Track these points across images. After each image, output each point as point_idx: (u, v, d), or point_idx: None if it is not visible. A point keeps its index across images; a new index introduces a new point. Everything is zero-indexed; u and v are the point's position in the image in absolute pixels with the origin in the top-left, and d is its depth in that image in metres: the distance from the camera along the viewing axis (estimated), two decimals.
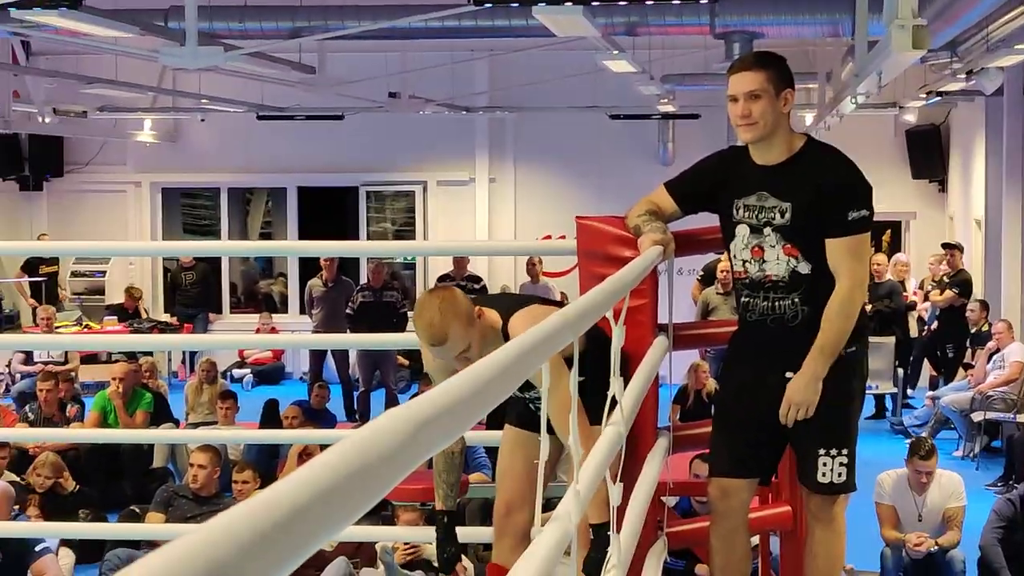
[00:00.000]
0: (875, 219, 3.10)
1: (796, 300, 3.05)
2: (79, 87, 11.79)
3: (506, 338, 3.05)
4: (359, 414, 11.04)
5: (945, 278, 11.51)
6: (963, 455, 9.76)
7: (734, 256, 3.17)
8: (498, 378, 1.22)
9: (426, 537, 4.70)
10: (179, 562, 0.50)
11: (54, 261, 13.68)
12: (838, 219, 3.00)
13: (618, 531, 2.31)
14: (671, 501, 3.97)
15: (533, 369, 1.55)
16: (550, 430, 2.62)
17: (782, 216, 3.04)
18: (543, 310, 3.07)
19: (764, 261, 3.07)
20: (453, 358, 3.10)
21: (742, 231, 3.10)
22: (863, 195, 3.05)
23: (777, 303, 3.08)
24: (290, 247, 11.99)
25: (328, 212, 15.37)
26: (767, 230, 3.06)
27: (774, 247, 3.05)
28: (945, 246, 11.94)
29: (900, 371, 10.85)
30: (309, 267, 12.93)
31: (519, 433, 3.33)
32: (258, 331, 13.16)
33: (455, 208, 14.44)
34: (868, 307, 3.24)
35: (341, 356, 11.28)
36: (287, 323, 14.11)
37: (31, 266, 13.57)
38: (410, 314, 8.29)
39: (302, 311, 13.20)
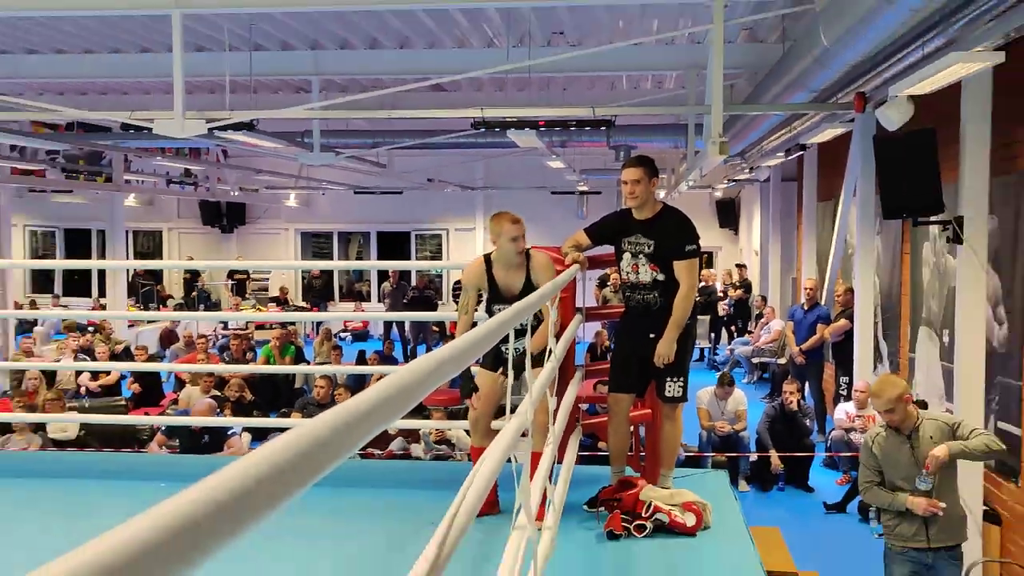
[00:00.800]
0: (701, 249, 4.51)
1: (656, 295, 4.41)
2: (254, 175, 19.36)
3: (528, 257, 4.25)
4: (410, 359, 15.46)
5: (737, 283, 17.82)
6: (747, 381, 14.47)
7: (621, 270, 4.50)
8: (489, 335, 2.09)
9: (447, 426, 6.29)
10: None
11: (243, 272, 22.12)
12: (680, 250, 4.38)
13: (554, 423, 3.45)
14: (584, 407, 5.21)
15: (512, 326, 2.36)
16: (500, 366, 4.05)
17: (649, 248, 4.40)
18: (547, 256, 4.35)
19: (639, 273, 4.43)
20: (512, 240, 4.17)
21: (627, 256, 4.46)
22: (694, 236, 4.44)
23: (645, 297, 4.44)
24: (369, 265, 24.55)
25: (393, 246, 23.04)
26: (640, 256, 4.42)
27: (644, 265, 4.41)
28: (737, 265, 18.74)
29: (712, 335, 17.01)
30: (383, 276, 21.08)
31: (487, 373, 4.28)
32: (354, 310, 20.78)
33: (463, 244, 22.19)
34: (697, 299, 4.66)
35: (400, 326, 17.61)
36: (370, 307, 22.03)
37: (231, 275, 21.99)
38: (440, 303, 19.84)
39: (379, 300, 21.72)
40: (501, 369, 4.18)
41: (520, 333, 4.08)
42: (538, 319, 4.05)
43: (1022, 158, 6.84)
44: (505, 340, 4.12)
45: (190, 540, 0.56)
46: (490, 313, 4.26)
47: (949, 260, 8.14)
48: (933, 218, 7.13)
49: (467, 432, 8.14)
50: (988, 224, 7.01)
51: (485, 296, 4.31)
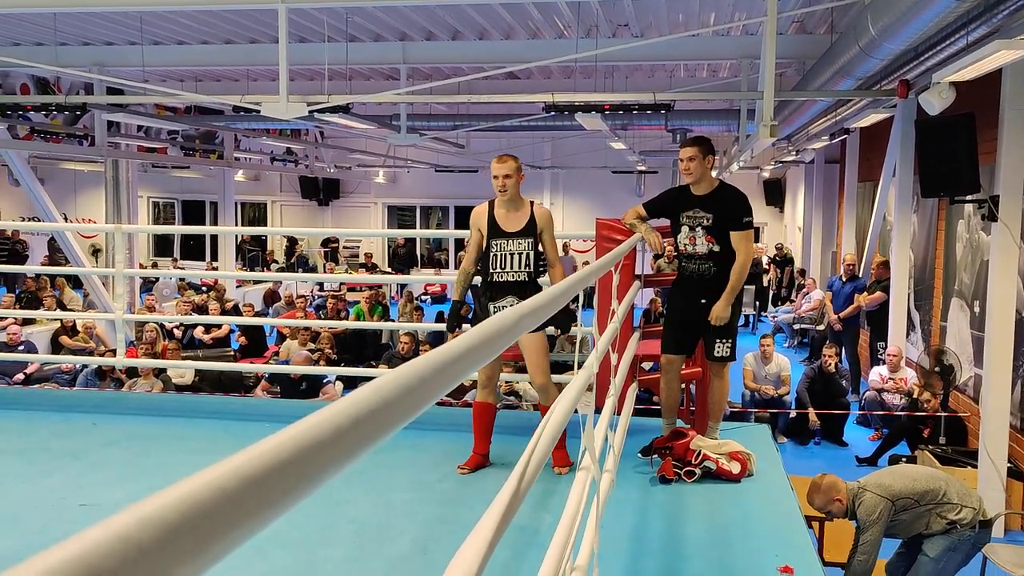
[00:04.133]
0: (754, 223, 4.37)
1: (710, 265, 4.30)
2: (348, 154, 19.54)
3: (532, 212, 4.19)
4: None
5: (778, 258, 17.73)
6: (788, 346, 14.21)
7: (679, 241, 4.39)
8: (562, 295, 2.04)
9: (515, 379, 6.93)
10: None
11: (336, 240, 22.61)
12: (737, 222, 4.26)
13: (615, 376, 3.48)
14: (647, 365, 5.11)
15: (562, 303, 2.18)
16: None
17: (707, 221, 4.28)
18: (549, 211, 4.29)
19: (695, 245, 4.32)
20: (502, 184, 4.13)
21: (685, 229, 4.34)
22: (749, 210, 4.31)
23: (700, 266, 4.34)
24: (446, 234, 24.36)
25: (469, 219, 21.10)
26: (698, 228, 4.31)
27: (701, 237, 4.30)
28: (777, 246, 18.39)
29: (757, 303, 16.29)
30: (459, 245, 21.01)
31: None
32: (434, 274, 21.57)
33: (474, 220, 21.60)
34: None
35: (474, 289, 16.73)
36: (448, 273, 20.97)
37: (325, 243, 22.53)
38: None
39: (455, 267, 19.61)
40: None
41: (505, 294, 4.19)
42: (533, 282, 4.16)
43: None
44: (493, 299, 4.23)
45: (300, 470, 0.55)
46: (488, 247, 4.24)
47: (982, 236, 7.84)
48: (970, 197, 6.86)
49: (529, 384, 8.20)
50: (1023, 203, 6.72)
51: (484, 234, 4.28)
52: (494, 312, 4.09)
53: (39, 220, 13.11)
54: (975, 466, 6.92)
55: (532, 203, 4.31)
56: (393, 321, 13.78)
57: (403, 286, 16.83)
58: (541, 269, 4.32)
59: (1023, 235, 6.80)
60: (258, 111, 7.50)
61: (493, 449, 4.30)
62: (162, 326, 11.06)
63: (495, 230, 4.23)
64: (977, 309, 8.04)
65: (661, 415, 4.63)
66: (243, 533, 0.45)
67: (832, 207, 16.18)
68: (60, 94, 11.76)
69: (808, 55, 8.99)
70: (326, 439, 0.58)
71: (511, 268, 4.21)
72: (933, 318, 9.62)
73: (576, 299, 4.15)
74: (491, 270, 4.23)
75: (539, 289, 4.08)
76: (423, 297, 19.45)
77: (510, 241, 4.20)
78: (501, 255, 4.21)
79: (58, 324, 11.65)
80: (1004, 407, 6.75)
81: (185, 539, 0.39)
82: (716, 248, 4.31)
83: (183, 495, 0.42)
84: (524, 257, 4.19)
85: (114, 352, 7.52)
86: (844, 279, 11.46)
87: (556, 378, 6.38)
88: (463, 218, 22.85)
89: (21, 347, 10.22)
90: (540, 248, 4.24)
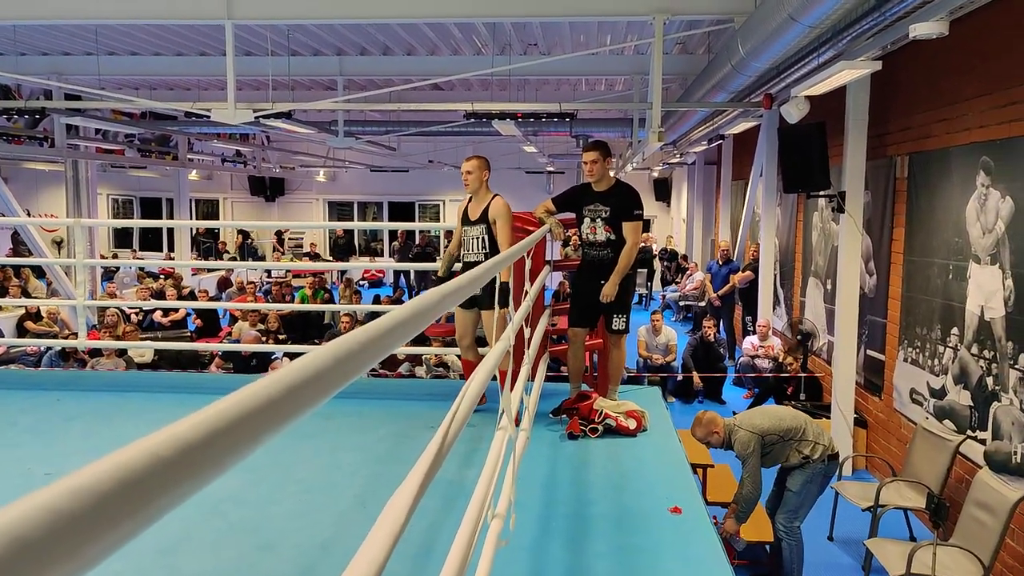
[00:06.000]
0: (644, 216, 4.42)
1: (608, 251, 4.34)
2: (292, 155, 19.08)
3: (489, 203, 4.20)
4: None
5: (666, 248, 18.05)
6: (675, 319, 14.41)
7: (581, 231, 4.42)
8: (477, 279, 2.16)
9: (444, 352, 6.26)
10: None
11: (281, 232, 21.43)
12: (629, 214, 4.31)
13: (528, 348, 3.54)
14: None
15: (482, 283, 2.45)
16: (472, 305, 4.12)
17: (605, 213, 4.32)
18: (505, 203, 4.24)
19: (595, 234, 4.36)
20: (464, 179, 4.20)
21: (586, 220, 4.38)
22: (640, 204, 4.36)
23: (600, 252, 4.38)
24: (380, 226, 23.38)
25: (401, 213, 22.25)
26: (598, 220, 4.35)
27: (600, 227, 4.35)
28: (668, 236, 19.04)
29: (648, 284, 17.11)
30: (393, 236, 20.84)
31: (459, 310, 4.33)
32: (370, 262, 20.23)
33: (455, 212, 20.37)
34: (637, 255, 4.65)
35: (406, 275, 17.10)
36: (383, 261, 21.05)
37: (278, 234, 21.61)
38: (438, 258, 15.34)
39: (389, 255, 20.80)
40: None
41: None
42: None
43: (891, 146, 6.81)
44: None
45: (244, 431, 0.52)
46: (463, 231, 4.38)
47: (832, 226, 8.15)
48: (822, 193, 7.12)
49: (458, 356, 8.20)
50: (864, 198, 7.01)
51: (459, 222, 4.43)
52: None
53: (2, 216, 12.35)
54: (829, 417, 7.23)
55: (494, 196, 4.32)
56: (334, 304, 13.52)
57: (343, 272, 16.53)
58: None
59: (864, 225, 7.11)
60: (208, 116, 7.21)
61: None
62: (122, 311, 10.58)
63: (464, 218, 4.35)
64: (829, 286, 8.36)
65: (568, 380, 4.68)
66: (175, 498, 0.42)
67: (711, 202, 16.60)
68: (20, 99, 11.06)
69: (689, 72, 9.17)
70: (259, 407, 0.55)
71: (471, 250, 4.32)
72: (794, 294, 9.97)
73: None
74: (462, 252, 4.40)
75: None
76: (361, 282, 19.19)
77: (472, 227, 4.31)
78: (467, 240, 4.35)
79: (23, 311, 11.02)
80: (851, 368, 7.07)
81: (118, 506, 0.36)
82: (613, 237, 4.35)
83: (116, 464, 0.39)
84: (479, 241, 4.27)
85: (76, 335, 7.17)
86: (720, 263, 11.78)
87: (482, 350, 6.37)
88: (396, 212, 22.67)
89: None
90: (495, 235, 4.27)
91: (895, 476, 5.70)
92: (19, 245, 18.05)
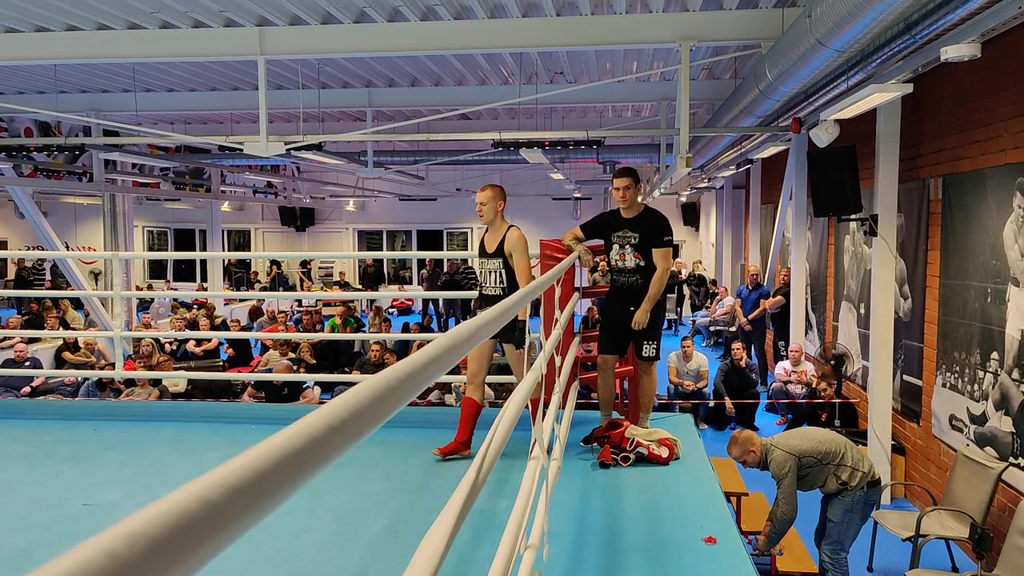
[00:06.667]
0: (674, 241, 4.42)
1: (637, 277, 4.32)
2: (321, 186, 19.31)
3: (504, 235, 4.08)
4: (443, 330, 14.67)
5: (694, 273, 17.88)
6: (705, 345, 14.40)
7: (610, 257, 4.39)
8: (512, 308, 2.06)
9: None
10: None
11: (310, 262, 21.99)
12: (658, 241, 4.29)
13: (559, 375, 3.50)
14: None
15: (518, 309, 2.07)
16: (493, 336, 3.85)
17: (635, 240, 4.31)
18: (521, 235, 4.12)
19: (625, 260, 4.34)
20: (478, 210, 4.07)
21: (615, 247, 4.36)
22: (669, 230, 4.34)
23: (629, 279, 4.35)
24: (409, 255, 23.46)
25: (429, 241, 22.38)
26: (627, 247, 4.33)
27: (629, 254, 4.32)
28: (695, 263, 18.96)
29: (678, 309, 16.66)
30: (421, 265, 21.19)
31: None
32: (399, 290, 21.24)
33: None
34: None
35: (435, 303, 17.40)
36: (412, 289, 21.38)
37: (303, 264, 21.86)
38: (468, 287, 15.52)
39: (418, 284, 21.20)
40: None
41: (487, 306, 4.06)
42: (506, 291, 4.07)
43: (923, 168, 6.73)
44: (481, 309, 4.10)
45: (290, 471, 0.52)
46: (479, 264, 4.26)
47: (865, 249, 8.05)
48: (854, 216, 7.04)
49: (488, 386, 8.16)
50: (896, 221, 6.91)
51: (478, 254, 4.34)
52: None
53: (43, 249, 12.67)
54: (865, 444, 7.07)
55: (510, 227, 4.19)
56: (364, 332, 13.60)
57: (372, 301, 16.64)
58: None
59: (898, 248, 7.00)
60: (241, 149, 7.36)
61: (450, 440, 4.24)
62: (157, 340, 10.75)
63: (481, 250, 4.25)
64: (862, 310, 8.23)
65: (599, 408, 4.64)
66: (226, 540, 0.43)
67: (740, 226, 16.49)
68: (60, 136, 11.40)
69: (716, 97, 9.17)
70: (303, 448, 0.55)
71: (489, 284, 4.21)
72: (827, 319, 9.83)
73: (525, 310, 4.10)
74: (480, 285, 4.28)
75: None
76: (390, 310, 19.31)
77: (488, 260, 4.20)
78: (483, 272, 4.24)
79: (61, 341, 11.25)
80: (887, 393, 6.93)
81: (171, 550, 0.37)
82: (642, 263, 4.32)
83: (168, 508, 0.40)
84: (497, 275, 4.16)
85: (113, 365, 7.28)
86: (750, 287, 11.67)
87: (504, 378, 6.32)
88: (425, 241, 22.86)
89: (27, 363, 9.84)
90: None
91: (936, 505, 5.55)
92: (57, 277, 18.47)
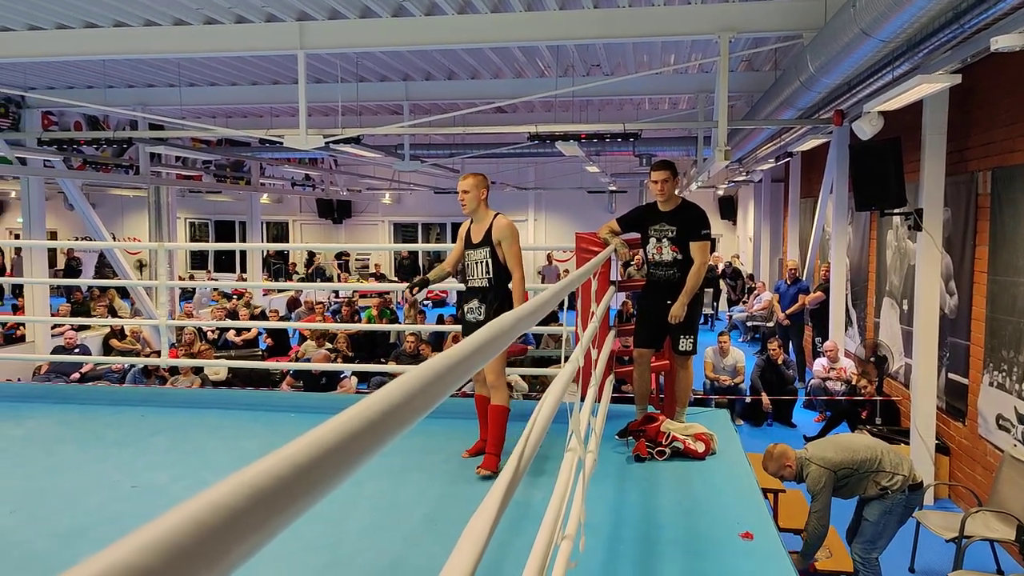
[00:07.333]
0: (711, 235, 4.36)
1: (675, 271, 4.30)
2: (358, 179, 19.33)
3: (491, 224, 3.89)
4: None
5: (728, 268, 17.42)
6: (742, 340, 14.01)
7: (647, 251, 4.38)
8: (550, 301, 2.01)
9: (508, 371, 6.17)
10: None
11: (347, 253, 22.44)
12: (697, 234, 4.26)
13: (595, 368, 3.42)
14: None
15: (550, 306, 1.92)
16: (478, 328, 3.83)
17: (672, 233, 4.28)
18: (509, 222, 3.96)
19: (662, 254, 4.32)
20: (460, 199, 3.89)
21: (652, 240, 4.35)
22: (707, 224, 4.31)
23: (666, 272, 4.33)
24: (444, 247, 22.77)
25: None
26: (664, 240, 4.31)
27: (667, 247, 4.30)
28: (727, 263, 17.83)
29: (715, 303, 16.93)
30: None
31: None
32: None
33: (521, 232, 21.31)
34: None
35: None
36: (448, 281, 19.64)
37: (339, 256, 22.32)
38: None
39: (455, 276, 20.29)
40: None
41: (472, 298, 4.00)
42: (503, 289, 3.94)
43: (971, 161, 6.56)
44: (465, 302, 4.04)
45: (331, 464, 0.54)
46: (463, 257, 4.09)
47: (909, 244, 7.88)
48: (898, 210, 6.90)
49: (522, 377, 8.14)
50: (943, 215, 6.76)
51: (462, 245, 4.15)
52: (467, 313, 4.01)
53: (91, 239, 13.01)
54: (907, 443, 6.94)
55: (496, 216, 4.03)
56: (399, 323, 13.73)
57: None
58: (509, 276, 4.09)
59: (944, 243, 6.84)
60: (281, 143, 7.47)
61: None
62: (199, 329, 10.98)
63: (466, 242, 4.07)
64: (905, 307, 8.07)
65: (634, 402, 4.63)
66: (296, 513, 0.45)
67: (778, 220, 16.26)
68: (108, 130, 11.69)
69: (755, 89, 9.05)
70: (360, 430, 0.57)
71: (475, 275, 4.02)
72: (868, 315, 9.66)
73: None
74: (466, 277, 4.09)
75: (503, 294, 3.91)
76: (425, 302, 19.42)
77: (475, 251, 4.01)
78: (469, 264, 4.04)
79: (109, 329, 11.55)
80: (931, 392, 6.78)
81: (249, 520, 0.39)
82: (680, 256, 4.30)
83: (245, 481, 0.42)
84: (484, 265, 3.97)
85: (159, 353, 7.46)
86: (789, 282, 11.52)
87: (541, 371, 6.29)
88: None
89: (77, 350, 10.13)
90: (501, 257, 3.98)
91: (981, 506, 5.43)
92: (104, 267, 18.96)
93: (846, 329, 10.31)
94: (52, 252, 23.05)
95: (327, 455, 0.52)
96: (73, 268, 19.66)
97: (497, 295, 3.94)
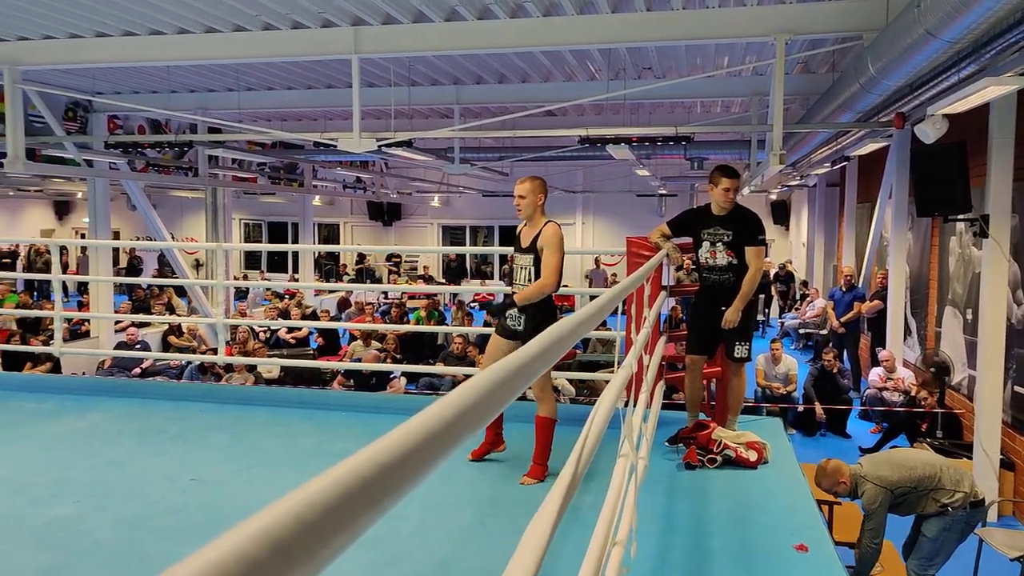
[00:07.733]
0: (766, 240, 4.28)
1: (729, 276, 4.23)
2: (408, 181, 19.78)
3: (540, 231, 3.80)
4: None
5: (782, 272, 17.13)
6: (795, 348, 13.77)
7: (700, 255, 4.30)
8: (606, 307, 1.96)
9: (555, 375, 6.13)
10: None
11: (398, 255, 22.26)
12: (752, 238, 4.20)
13: (646, 374, 3.44)
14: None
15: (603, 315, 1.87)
16: (513, 336, 3.78)
17: (727, 237, 4.22)
18: (557, 230, 3.81)
19: (716, 258, 4.25)
20: (516, 203, 3.81)
21: (706, 244, 4.28)
22: (762, 229, 4.24)
23: (721, 277, 4.26)
24: (491, 250, 22.79)
25: (512, 237, 21.35)
26: (719, 244, 4.24)
27: (721, 251, 4.24)
28: (781, 265, 17.52)
29: (767, 310, 16.54)
30: (503, 260, 19.38)
31: (497, 338, 3.95)
32: (481, 285, 21.07)
33: (567, 234, 21.47)
34: None
35: None
36: (493, 283, 21.78)
37: (389, 257, 22.66)
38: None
39: (499, 278, 21.82)
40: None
41: (520, 311, 3.87)
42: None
43: None
44: (506, 309, 3.97)
45: (416, 460, 0.55)
46: (513, 259, 3.98)
47: (973, 251, 7.62)
48: (962, 216, 6.68)
49: (568, 381, 8.11)
50: (1010, 221, 6.52)
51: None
52: (507, 318, 3.92)
53: (152, 239, 13.44)
54: (970, 457, 6.71)
55: (547, 223, 3.90)
56: (447, 325, 13.82)
57: (455, 295, 16.89)
58: (564, 284, 3.99)
59: (1012, 250, 6.60)
60: (334, 145, 7.61)
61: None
62: (252, 328, 11.24)
63: (516, 246, 4.00)
64: (969, 316, 7.81)
65: (685, 409, 4.57)
66: (381, 510, 0.46)
67: (833, 225, 15.89)
68: (170, 133, 12.06)
69: (811, 91, 8.87)
70: (437, 431, 0.58)
71: (519, 281, 3.91)
72: (928, 324, 9.37)
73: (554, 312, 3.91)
74: (511, 280, 4.02)
75: (545, 304, 3.83)
76: (472, 304, 19.52)
77: (521, 256, 3.92)
78: (515, 268, 3.97)
79: (167, 326, 11.91)
80: (996, 405, 6.55)
81: (339, 518, 0.40)
82: (735, 261, 4.24)
83: (334, 481, 0.43)
84: (527, 272, 3.86)
85: (215, 351, 7.66)
86: (844, 289, 11.25)
87: (589, 375, 6.24)
88: (507, 236, 22.99)
89: (138, 346, 10.47)
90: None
91: None
92: (163, 266, 19.55)
93: (905, 338, 10.02)
94: (116, 251, 23.87)
95: (407, 455, 0.53)
96: (135, 267, 20.34)
97: (539, 307, 3.86)
